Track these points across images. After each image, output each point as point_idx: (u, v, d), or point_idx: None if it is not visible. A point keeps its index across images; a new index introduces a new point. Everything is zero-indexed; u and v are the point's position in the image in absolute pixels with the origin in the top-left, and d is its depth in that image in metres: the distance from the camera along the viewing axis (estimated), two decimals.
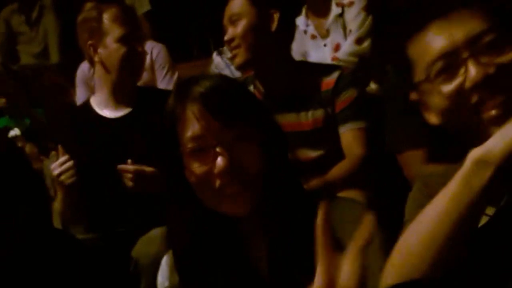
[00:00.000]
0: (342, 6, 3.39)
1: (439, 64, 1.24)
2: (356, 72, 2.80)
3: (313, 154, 2.48)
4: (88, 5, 2.75)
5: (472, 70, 1.20)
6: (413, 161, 2.28)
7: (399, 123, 2.31)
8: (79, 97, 3.68)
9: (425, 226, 1.14)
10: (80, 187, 2.44)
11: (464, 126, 1.26)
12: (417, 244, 1.15)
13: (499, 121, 1.18)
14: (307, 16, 3.49)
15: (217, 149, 1.32)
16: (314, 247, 1.14)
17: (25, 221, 1.52)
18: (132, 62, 2.57)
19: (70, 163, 2.41)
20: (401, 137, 2.31)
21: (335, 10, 3.41)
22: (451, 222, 1.11)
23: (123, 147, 2.51)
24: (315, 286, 1.13)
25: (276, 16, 2.48)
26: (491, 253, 1.18)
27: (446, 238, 1.12)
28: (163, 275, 1.50)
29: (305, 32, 3.46)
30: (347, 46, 3.32)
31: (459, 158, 1.21)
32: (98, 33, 2.56)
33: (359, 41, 3.32)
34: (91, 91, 3.34)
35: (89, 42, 2.59)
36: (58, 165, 2.41)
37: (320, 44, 3.43)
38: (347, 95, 2.46)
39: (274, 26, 2.49)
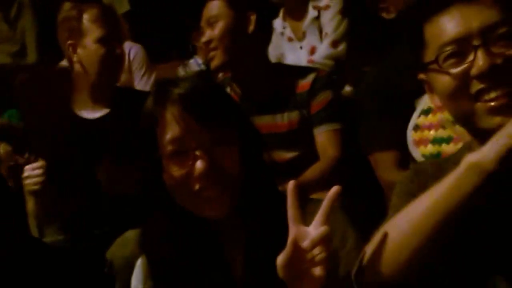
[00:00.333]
0: (319, 9, 3.42)
1: (450, 48, 1.25)
2: (331, 74, 2.82)
3: (288, 155, 2.49)
4: (67, 4, 2.73)
5: (481, 58, 1.21)
6: (382, 163, 2.29)
7: (371, 125, 2.33)
8: None
9: (408, 219, 1.18)
10: (53, 190, 2.41)
11: (462, 113, 1.28)
12: (397, 236, 1.19)
13: (499, 112, 1.21)
14: (284, 18, 3.51)
15: (197, 152, 1.31)
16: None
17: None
18: (111, 63, 2.56)
19: (39, 171, 2.38)
20: (372, 139, 2.33)
21: (311, 13, 3.44)
22: (434, 220, 1.15)
23: (101, 148, 2.49)
24: (284, 252, 1.18)
25: (253, 18, 2.50)
26: (477, 249, 1.23)
27: (426, 234, 1.15)
28: (137, 278, 1.47)
29: (282, 34, 3.49)
30: (323, 49, 3.35)
31: None
32: (77, 33, 2.55)
33: (334, 44, 3.35)
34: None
35: (69, 41, 2.57)
36: (30, 168, 2.39)
37: (297, 47, 3.46)
38: (323, 97, 2.48)
39: (251, 28, 2.50)
